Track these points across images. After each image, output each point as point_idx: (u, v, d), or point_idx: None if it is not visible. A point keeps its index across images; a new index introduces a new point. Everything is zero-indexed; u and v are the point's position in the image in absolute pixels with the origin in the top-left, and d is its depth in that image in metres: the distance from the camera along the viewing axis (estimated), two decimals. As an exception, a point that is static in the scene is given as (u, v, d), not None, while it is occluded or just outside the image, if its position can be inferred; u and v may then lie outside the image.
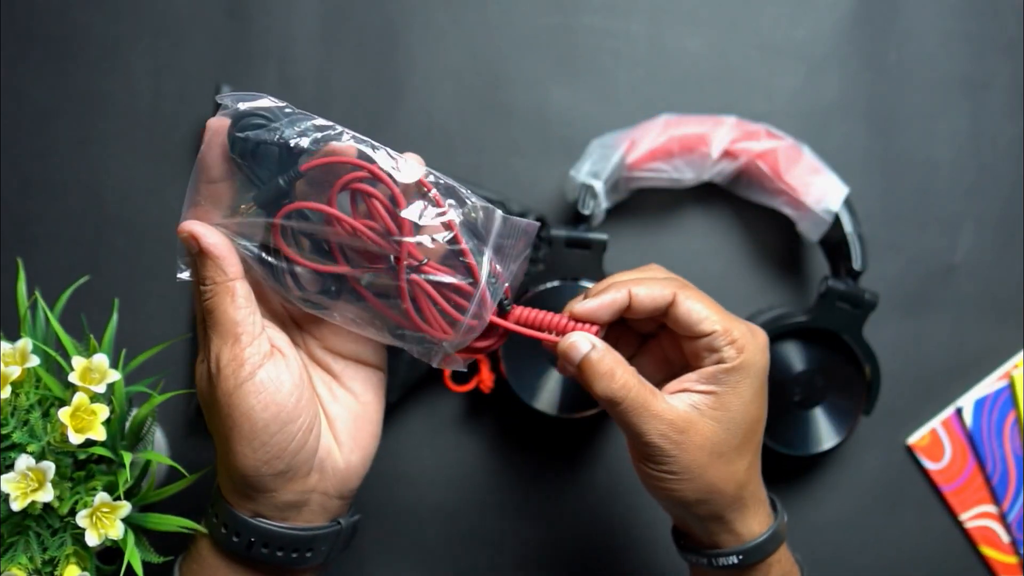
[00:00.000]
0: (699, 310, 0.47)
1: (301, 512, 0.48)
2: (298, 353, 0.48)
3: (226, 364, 0.44)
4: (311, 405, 0.47)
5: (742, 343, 0.47)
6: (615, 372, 0.46)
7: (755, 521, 0.50)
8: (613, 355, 0.47)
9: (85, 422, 0.47)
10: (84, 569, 0.49)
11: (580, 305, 0.48)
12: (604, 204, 0.63)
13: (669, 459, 0.47)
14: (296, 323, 0.50)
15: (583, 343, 0.47)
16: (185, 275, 0.46)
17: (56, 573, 0.48)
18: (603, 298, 0.48)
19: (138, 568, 0.48)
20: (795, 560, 0.53)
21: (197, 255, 0.45)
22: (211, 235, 0.45)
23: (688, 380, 0.48)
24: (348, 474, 0.49)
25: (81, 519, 0.47)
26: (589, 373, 0.46)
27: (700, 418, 0.47)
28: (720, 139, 0.63)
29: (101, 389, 0.49)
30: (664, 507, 0.51)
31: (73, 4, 0.68)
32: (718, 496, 0.48)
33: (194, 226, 0.45)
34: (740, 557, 0.49)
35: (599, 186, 0.62)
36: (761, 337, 0.49)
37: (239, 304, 0.45)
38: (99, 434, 0.47)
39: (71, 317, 0.55)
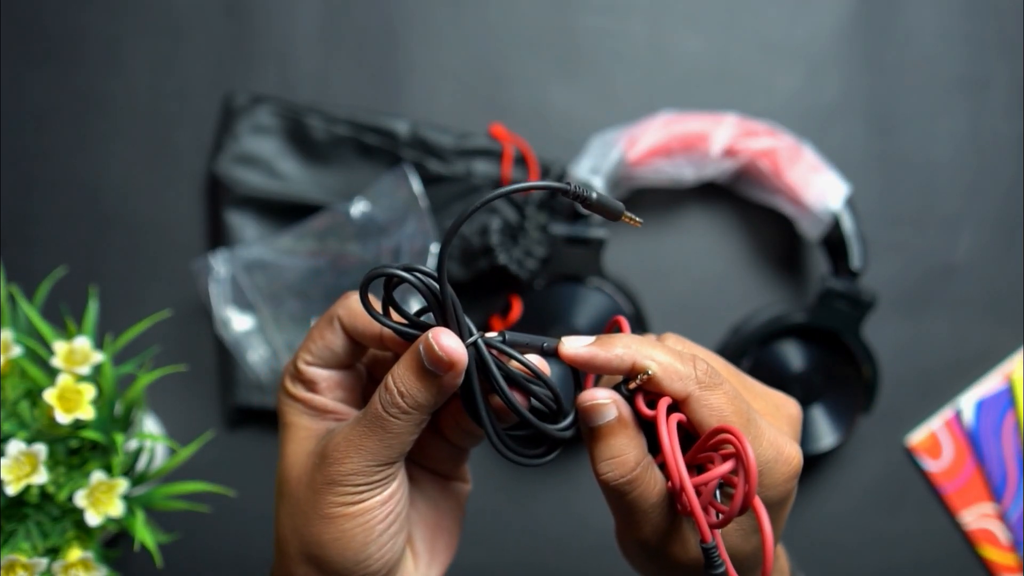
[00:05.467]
0: (712, 418, 0.36)
1: None
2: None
3: (365, 472, 0.38)
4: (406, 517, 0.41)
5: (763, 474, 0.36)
6: (630, 457, 0.36)
7: None
8: (636, 432, 0.37)
9: (72, 402, 0.47)
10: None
11: (572, 347, 0.37)
12: (603, 203, 0.63)
13: (670, 555, 0.38)
14: None
15: (611, 408, 0.37)
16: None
17: (58, 559, 0.48)
18: (607, 353, 0.36)
19: (150, 544, 0.48)
20: None
21: (444, 367, 0.36)
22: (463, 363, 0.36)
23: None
24: None
25: (80, 499, 0.47)
26: (601, 446, 0.37)
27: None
28: (720, 137, 0.63)
29: (85, 371, 0.49)
30: None
31: (73, 4, 0.68)
32: None
33: (457, 351, 0.36)
34: None
35: (598, 183, 0.62)
36: (789, 466, 0.37)
37: (415, 430, 0.38)
38: (87, 412, 0.47)
39: (71, 317, 0.55)
